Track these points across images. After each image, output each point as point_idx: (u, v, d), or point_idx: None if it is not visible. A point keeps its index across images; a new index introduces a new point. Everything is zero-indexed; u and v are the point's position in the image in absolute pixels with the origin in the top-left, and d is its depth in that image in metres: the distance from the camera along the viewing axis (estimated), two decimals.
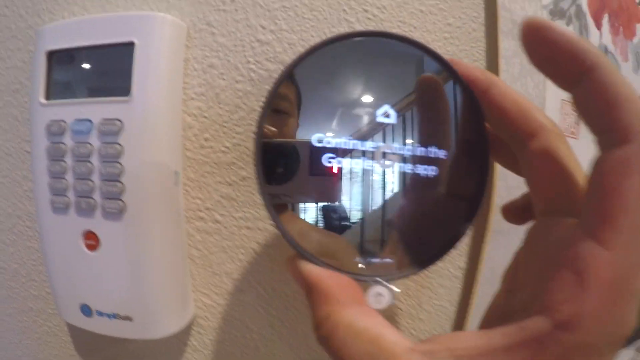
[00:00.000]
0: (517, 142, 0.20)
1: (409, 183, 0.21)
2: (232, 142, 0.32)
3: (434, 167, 0.21)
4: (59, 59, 0.31)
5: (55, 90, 0.31)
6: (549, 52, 0.17)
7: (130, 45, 0.29)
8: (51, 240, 0.32)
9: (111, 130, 0.29)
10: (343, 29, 0.32)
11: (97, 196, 0.30)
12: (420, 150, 0.21)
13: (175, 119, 0.31)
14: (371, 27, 0.32)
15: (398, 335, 0.17)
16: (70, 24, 0.31)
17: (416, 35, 0.33)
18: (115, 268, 0.31)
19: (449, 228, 0.22)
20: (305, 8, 0.32)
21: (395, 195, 0.21)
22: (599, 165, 0.16)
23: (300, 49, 0.32)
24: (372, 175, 0.21)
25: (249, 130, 0.32)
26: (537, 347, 0.14)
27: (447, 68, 0.21)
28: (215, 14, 0.31)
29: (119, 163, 0.30)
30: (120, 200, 0.30)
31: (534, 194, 0.21)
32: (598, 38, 0.38)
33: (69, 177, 0.31)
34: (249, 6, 0.31)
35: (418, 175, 0.21)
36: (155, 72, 0.30)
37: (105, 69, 0.30)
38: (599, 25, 0.38)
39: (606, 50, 0.39)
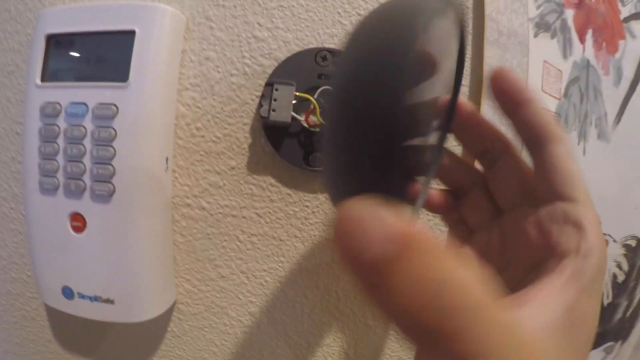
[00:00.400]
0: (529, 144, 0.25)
1: None
2: (223, 133, 0.34)
3: None
4: (58, 43, 0.32)
5: (52, 73, 0.32)
6: (525, 116, 0.24)
7: (131, 34, 0.31)
8: (37, 221, 0.33)
9: (106, 115, 0.31)
10: (337, 30, 0.34)
11: (87, 178, 0.32)
12: None
13: (170, 107, 0.33)
14: None
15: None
16: (71, 9, 0.32)
17: None
18: (100, 250, 0.32)
19: None
20: (301, 8, 0.34)
21: None
22: (542, 162, 0.23)
23: (295, 47, 0.34)
24: None
25: (240, 122, 0.34)
26: (579, 274, 0.19)
27: None
28: (214, 9, 0.33)
29: (112, 147, 0.31)
30: (110, 183, 0.31)
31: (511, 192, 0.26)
32: (581, 52, 0.41)
33: (60, 159, 0.32)
34: (248, 3, 0.33)
35: None
36: (153, 61, 0.31)
37: (104, 55, 0.32)
38: (582, 40, 0.41)
39: (588, 64, 0.42)
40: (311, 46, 0.34)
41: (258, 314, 0.36)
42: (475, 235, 0.27)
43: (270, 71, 0.34)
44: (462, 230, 0.29)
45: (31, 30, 0.35)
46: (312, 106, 0.33)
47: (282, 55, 0.34)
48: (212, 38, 0.33)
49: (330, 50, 0.34)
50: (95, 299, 0.33)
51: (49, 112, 0.32)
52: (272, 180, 0.35)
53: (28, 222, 0.34)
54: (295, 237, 0.35)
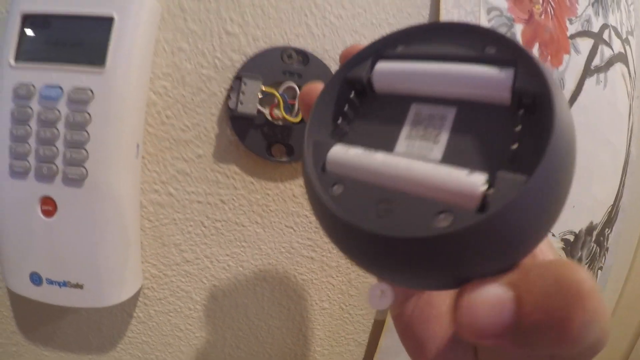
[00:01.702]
0: None
1: None
2: (192, 122, 0.39)
3: None
4: (34, 23, 0.36)
5: (27, 53, 0.36)
6: None
7: (109, 20, 0.35)
8: (5, 204, 0.36)
9: (82, 99, 0.35)
10: (302, 30, 0.40)
11: (59, 162, 0.36)
12: None
13: (142, 94, 0.37)
14: (327, 32, 0.41)
15: None
16: None
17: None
18: (70, 235, 0.36)
19: None
20: (272, 8, 0.39)
21: None
22: None
23: (263, 44, 0.40)
24: None
25: (208, 112, 0.39)
26: None
27: None
28: (189, 1, 0.38)
29: (86, 131, 0.35)
30: (83, 167, 0.35)
31: None
32: None
33: (32, 142, 0.36)
34: None
35: None
36: (129, 48, 0.36)
37: (81, 39, 0.36)
38: None
39: None
40: (278, 44, 0.40)
41: (221, 297, 0.41)
42: None
43: (239, 65, 0.39)
44: None
45: (4, 8, 0.38)
46: (276, 100, 0.39)
47: (251, 51, 0.39)
48: (185, 30, 0.38)
49: (295, 49, 0.40)
50: (64, 284, 0.37)
51: (22, 94, 0.35)
52: (237, 169, 0.40)
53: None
54: (257, 223, 0.41)
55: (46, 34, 0.36)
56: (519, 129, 0.16)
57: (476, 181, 0.15)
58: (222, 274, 0.41)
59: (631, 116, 0.65)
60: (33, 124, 0.36)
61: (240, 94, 0.38)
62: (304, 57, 0.39)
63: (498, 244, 0.15)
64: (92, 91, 0.35)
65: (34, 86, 0.35)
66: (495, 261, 0.16)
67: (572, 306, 0.15)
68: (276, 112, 0.39)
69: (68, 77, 0.35)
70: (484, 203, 0.15)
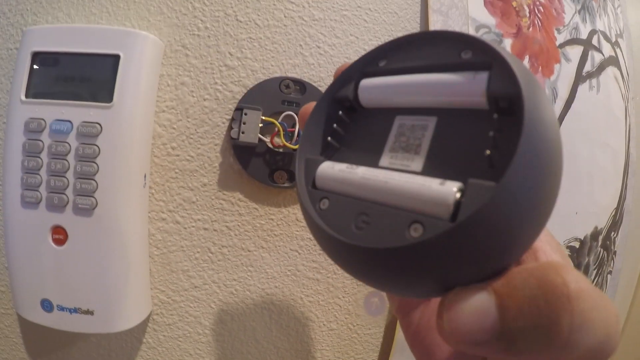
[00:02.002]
0: None
1: None
2: (196, 152, 0.39)
3: None
4: (44, 61, 0.37)
5: (36, 89, 0.36)
6: None
7: (115, 58, 0.36)
8: (17, 234, 0.37)
9: (91, 132, 0.36)
10: (298, 61, 0.41)
11: (69, 192, 0.36)
12: None
13: (148, 127, 0.38)
14: (322, 61, 0.41)
15: None
16: (58, 29, 0.37)
17: None
18: (81, 262, 0.36)
19: None
20: (267, 41, 0.40)
21: None
22: None
23: (261, 75, 0.40)
24: None
25: (212, 142, 0.39)
26: None
27: None
28: (190, 38, 0.39)
29: (95, 163, 0.36)
30: (93, 197, 0.36)
31: None
32: None
33: (43, 173, 0.37)
34: (220, 34, 0.40)
35: None
36: (135, 84, 0.37)
37: (89, 76, 0.37)
38: None
39: None
40: (276, 75, 0.40)
41: (229, 321, 0.41)
42: None
43: (239, 97, 0.40)
44: None
45: (12, 45, 0.39)
46: (276, 129, 0.39)
47: (250, 82, 0.40)
48: (187, 65, 0.39)
49: (292, 79, 0.40)
50: (75, 310, 0.37)
51: (34, 128, 0.36)
52: (241, 196, 0.40)
53: (8, 236, 0.37)
54: (262, 247, 0.41)
55: (55, 71, 0.37)
56: (493, 133, 0.16)
57: (448, 190, 0.15)
58: (230, 298, 0.41)
59: (628, 117, 0.64)
60: (44, 156, 0.36)
61: (242, 124, 0.38)
62: (301, 86, 0.40)
63: (474, 250, 0.15)
64: (100, 125, 0.36)
65: (44, 120, 0.36)
66: (474, 267, 0.16)
67: (558, 310, 0.14)
68: (276, 140, 0.39)
69: (77, 112, 0.36)
70: (456, 211, 0.15)
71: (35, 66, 0.37)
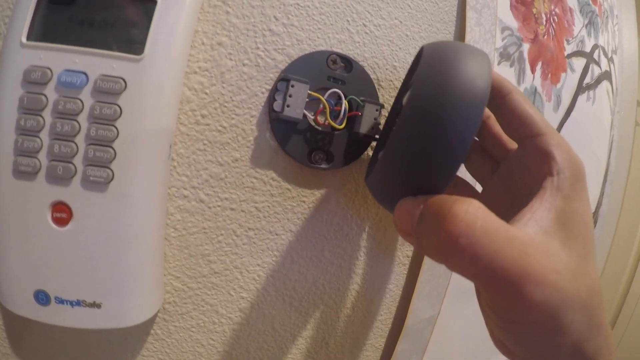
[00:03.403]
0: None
1: None
2: (229, 123, 0.29)
3: None
4: None
5: (43, 30, 0.24)
6: None
7: (152, 3, 0.25)
8: (7, 210, 0.24)
9: (112, 89, 0.24)
10: (344, 37, 0.32)
11: (78, 161, 0.25)
12: None
13: (178, 89, 0.27)
14: (367, 40, 0.33)
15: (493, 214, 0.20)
16: None
17: (400, 56, 0.35)
18: (87, 247, 0.25)
19: None
20: (315, 10, 0.31)
21: None
22: (503, 113, 0.25)
23: (306, 47, 0.31)
24: None
25: (248, 113, 0.30)
26: (558, 187, 0.22)
27: None
28: None
29: (114, 127, 0.25)
30: (109, 168, 0.25)
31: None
32: (531, 80, 0.43)
33: (44, 136, 0.25)
34: None
35: None
36: (170, 37, 0.25)
37: (115, 20, 0.25)
38: (533, 70, 0.43)
39: (535, 91, 0.44)
40: (321, 48, 0.32)
41: (248, 309, 0.32)
42: (483, 189, 0.28)
43: (282, 66, 0.30)
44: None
45: None
46: (322, 106, 0.31)
47: (294, 52, 0.31)
48: (227, 23, 0.29)
49: (340, 55, 0.32)
50: (78, 303, 0.26)
51: (36, 79, 0.24)
52: (274, 175, 0.31)
53: None
54: (291, 231, 0.32)
55: (69, 10, 0.25)
56: None
57: None
58: (252, 284, 0.32)
59: (612, 129, 0.63)
60: (47, 114, 0.24)
61: (287, 97, 0.29)
62: (347, 63, 0.32)
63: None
64: (124, 81, 0.24)
65: (50, 70, 0.24)
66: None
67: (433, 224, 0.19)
68: (321, 117, 0.31)
69: (95, 62, 0.24)
70: None
71: (43, 2, 0.25)
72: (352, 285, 0.35)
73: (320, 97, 0.30)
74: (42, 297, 0.25)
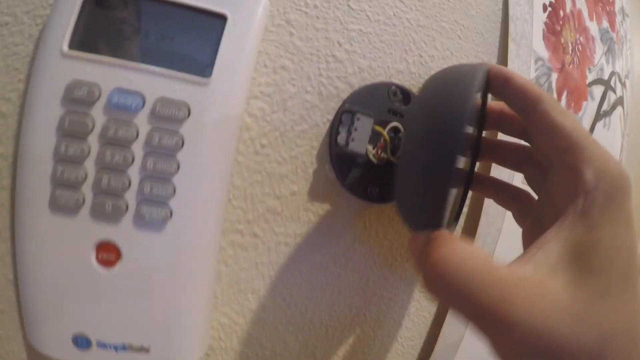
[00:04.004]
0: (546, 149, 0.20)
1: None
2: (290, 154, 0.23)
3: None
4: (105, 1, 0.18)
5: (90, 38, 0.17)
6: (509, 91, 0.20)
7: (221, 19, 0.18)
8: (44, 248, 0.17)
9: (174, 116, 0.18)
10: (402, 67, 0.26)
11: (131, 197, 0.18)
12: None
13: (240, 117, 0.21)
14: (422, 72, 0.28)
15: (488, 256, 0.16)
16: None
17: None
18: (136, 289, 0.18)
19: None
20: (377, 38, 0.25)
21: None
22: (532, 125, 0.19)
23: (367, 75, 0.25)
24: None
25: (309, 144, 0.24)
26: (584, 212, 0.16)
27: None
28: (296, 13, 0.22)
29: (176, 159, 0.18)
30: (167, 206, 0.18)
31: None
32: None
33: (90, 166, 0.18)
34: (330, 18, 0.23)
35: None
36: (237, 59, 0.19)
37: (179, 37, 0.18)
38: (559, 99, 0.38)
39: None
40: (380, 78, 0.26)
41: (292, 342, 0.26)
42: (538, 200, 0.23)
43: (343, 95, 0.24)
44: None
45: None
46: (382, 141, 0.25)
47: (356, 81, 0.25)
48: (290, 45, 0.22)
49: (400, 87, 0.26)
50: (123, 347, 0.19)
51: (81, 97, 0.17)
52: (329, 208, 0.25)
53: (23, 247, 0.18)
54: (341, 264, 0.27)
55: (123, 19, 0.18)
56: None
57: None
58: (298, 318, 0.26)
59: (622, 153, 0.59)
60: (93, 140, 0.17)
61: (352, 130, 0.23)
62: (406, 96, 0.26)
63: None
64: (189, 107, 0.18)
65: (99, 87, 0.17)
66: None
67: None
68: (382, 153, 0.25)
69: (154, 82, 0.18)
70: None
71: (89, 6, 0.17)
72: (391, 314, 0.30)
73: (383, 131, 0.24)
74: (82, 342, 0.19)
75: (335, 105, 0.24)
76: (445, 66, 0.28)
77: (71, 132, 0.17)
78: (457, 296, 0.15)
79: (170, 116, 0.18)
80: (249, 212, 0.23)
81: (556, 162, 0.19)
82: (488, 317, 0.14)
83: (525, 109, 0.19)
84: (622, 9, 0.54)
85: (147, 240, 0.18)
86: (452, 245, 0.16)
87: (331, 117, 0.24)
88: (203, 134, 0.18)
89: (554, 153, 0.18)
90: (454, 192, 0.23)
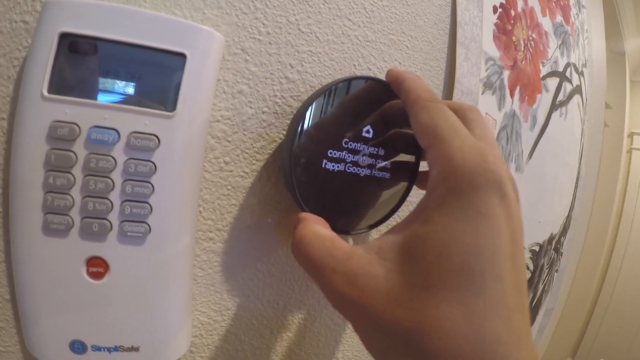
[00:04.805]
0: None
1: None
2: (251, 169, 0.28)
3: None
4: (77, 46, 0.21)
5: (65, 83, 0.21)
6: (400, 95, 0.24)
7: (181, 57, 0.23)
8: (38, 267, 0.22)
9: (146, 146, 0.22)
10: None
11: (113, 218, 0.22)
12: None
13: (204, 140, 0.25)
14: None
15: (344, 242, 0.21)
16: (96, 7, 0.21)
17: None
18: (124, 297, 0.23)
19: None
20: (326, 57, 0.30)
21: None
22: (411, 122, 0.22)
23: None
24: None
25: (268, 159, 0.29)
26: (424, 207, 0.19)
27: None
28: (250, 41, 0.27)
29: (150, 183, 0.23)
30: (146, 223, 0.23)
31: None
32: (510, 104, 0.44)
33: (76, 194, 0.22)
34: (282, 43, 0.28)
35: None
36: (198, 91, 0.23)
37: (144, 75, 0.22)
38: (512, 95, 0.43)
39: (514, 114, 0.45)
40: None
41: (268, 335, 0.31)
42: None
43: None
44: None
45: (18, 17, 0.22)
46: None
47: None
48: (246, 71, 0.27)
49: None
50: (115, 349, 0.24)
51: (63, 135, 0.21)
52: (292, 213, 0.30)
53: (20, 267, 0.22)
54: None
55: (93, 62, 0.22)
56: None
57: None
58: (272, 312, 0.31)
59: (582, 138, 0.63)
60: (77, 172, 0.22)
61: None
62: None
63: None
64: (158, 138, 0.22)
65: (78, 126, 0.21)
66: None
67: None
68: None
69: (126, 119, 0.22)
70: None
71: (63, 52, 0.21)
72: None
73: None
74: (77, 347, 0.23)
75: (289, 122, 0.28)
76: None
77: (57, 166, 0.21)
78: (306, 262, 0.21)
79: (142, 147, 0.22)
80: (219, 221, 0.27)
81: (426, 156, 0.21)
82: (322, 281, 0.20)
83: (408, 112, 0.22)
84: (578, 1, 0.59)
85: (131, 253, 0.23)
86: (308, 226, 0.22)
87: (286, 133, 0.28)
88: (172, 159, 0.23)
89: (424, 150, 0.21)
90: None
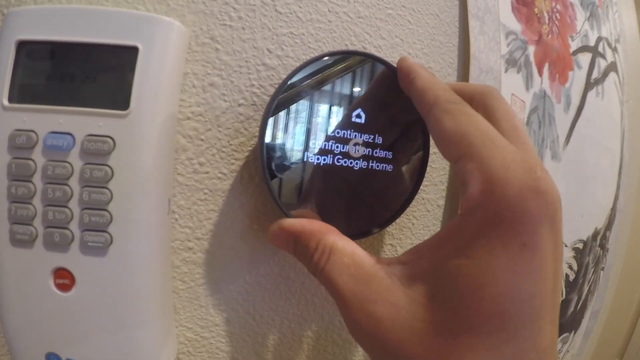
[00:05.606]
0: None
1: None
2: (229, 169, 0.27)
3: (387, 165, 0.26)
4: (33, 53, 0.22)
5: (24, 91, 0.22)
6: (412, 94, 0.22)
7: (132, 51, 0.22)
8: (9, 277, 0.23)
9: (100, 150, 0.22)
10: None
11: (74, 227, 0.23)
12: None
13: (171, 140, 0.25)
14: None
15: (364, 252, 0.21)
16: (51, 12, 0.22)
17: None
18: (94, 310, 0.23)
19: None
20: (311, 38, 0.28)
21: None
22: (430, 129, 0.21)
23: None
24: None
25: (249, 157, 0.28)
26: (457, 233, 0.17)
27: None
28: (220, 29, 0.26)
29: (107, 189, 0.23)
30: (106, 232, 0.23)
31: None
32: (540, 83, 0.40)
33: (37, 203, 0.23)
34: (257, 27, 0.27)
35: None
36: (156, 86, 0.23)
37: (95, 75, 0.23)
38: (540, 73, 0.40)
39: (545, 94, 0.41)
40: None
41: (265, 353, 0.30)
42: None
43: None
44: None
45: None
46: None
47: None
48: (217, 62, 0.26)
49: None
50: None
51: (21, 144, 0.22)
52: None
53: None
54: (304, 274, 0.30)
55: (49, 67, 0.23)
56: None
57: None
58: (266, 329, 0.29)
59: (622, 120, 0.57)
60: (37, 180, 0.22)
61: None
62: None
63: None
64: (113, 140, 0.22)
65: (35, 133, 0.22)
66: None
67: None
68: None
69: (81, 122, 0.22)
70: None
71: (21, 60, 0.22)
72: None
73: None
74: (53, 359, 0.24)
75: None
76: (396, 55, 0.31)
77: (18, 175, 0.22)
78: (326, 284, 0.21)
79: (96, 150, 0.22)
80: (197, 229, 0.27)
81: (456, 169, 0.19)
82: (338, 304, 0.20)
83: (423, 115, 0.21)
84: None
85: (95, 265, 0.23)
86: (330, 238, 0.22)
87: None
88: (130, 162, 0.23)
89: (452, 160, 0.19)
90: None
